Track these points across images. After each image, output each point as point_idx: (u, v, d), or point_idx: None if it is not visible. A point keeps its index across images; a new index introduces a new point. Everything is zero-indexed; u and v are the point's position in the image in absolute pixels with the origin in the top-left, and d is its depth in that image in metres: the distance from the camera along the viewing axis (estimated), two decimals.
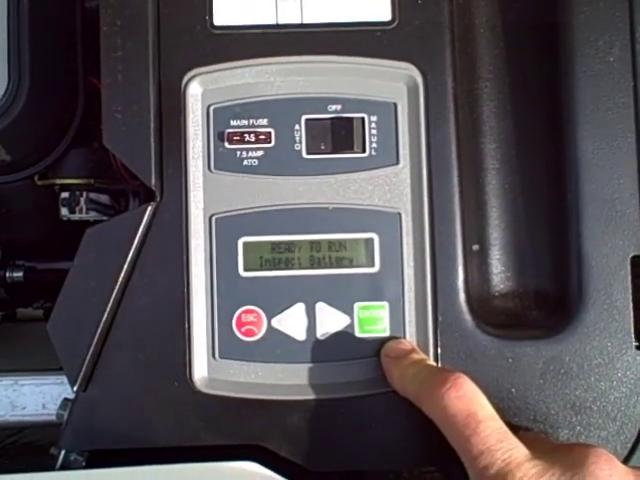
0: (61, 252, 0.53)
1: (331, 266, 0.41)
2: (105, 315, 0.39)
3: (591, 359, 0.40)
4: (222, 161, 0.41)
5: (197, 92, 0.41)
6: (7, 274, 0.53)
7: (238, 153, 0.41)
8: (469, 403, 0.35)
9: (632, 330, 0.40)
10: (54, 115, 0.45)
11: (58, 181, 0.47)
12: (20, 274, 0.54)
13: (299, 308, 0.40)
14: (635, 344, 0.40)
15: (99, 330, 0.39)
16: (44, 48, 0.44)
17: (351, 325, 0.40)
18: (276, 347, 0.40)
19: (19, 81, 0.42)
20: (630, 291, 0.40)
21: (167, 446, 0.39)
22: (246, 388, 0.40)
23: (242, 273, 0.40)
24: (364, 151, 0.41)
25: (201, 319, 0.40)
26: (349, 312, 0.40)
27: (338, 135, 0.41)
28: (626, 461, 0.39)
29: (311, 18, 0.41)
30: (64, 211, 0.47)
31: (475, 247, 0.42)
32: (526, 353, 0.40)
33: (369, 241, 0.41)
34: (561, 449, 0.35)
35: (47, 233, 0.51)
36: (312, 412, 0.40)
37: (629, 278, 0.40)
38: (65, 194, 0.47)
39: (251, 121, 0.41)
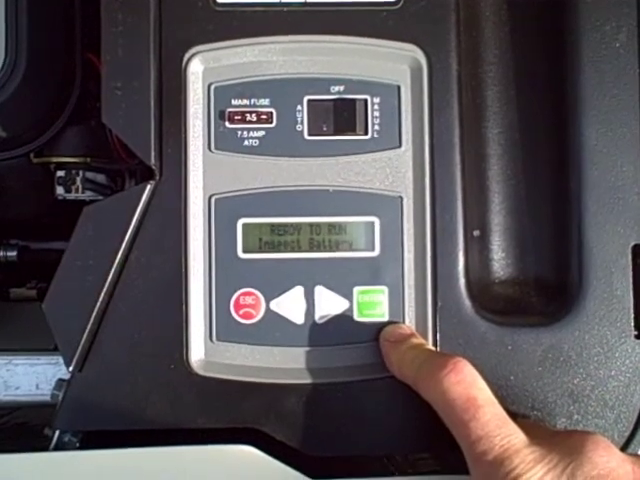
0: (56, 232, 0.52)
1: (331, 249, 0.40)
2: (102, 295, 0.39)
3: (590, 347, 0.40)
4: (222, 141, 0.40)
5: (198, 70, 0.40)
6: (1, 253, 0.53)
7: (239, 133, 0.40)
8: (469, 387, 0.35)
9: (632, 319, 0.40)
10: (51, 91, 0.45)
11: (54, 159, 0.46)
12: (14, 253, 0.53)
13: (298, 291, 0.40)
14: (635, 333, 0.40)
15: (95, 310, 0.39)
16: (42, 23, 0.43)
17: (350, 309, 0.40)
18: (274, 330, 0.40)
19: (16, 56, 0.42)
20: (630, 280, 0.40)
21: (162, 428, 0.39)
22: (243, 371, 0.40)
23: (241, 255, 0.40)
24: (366, 133, 0.40)
25: (199, 301, 0.40)
26: (348, 296, 0.40)
27: (340, 116, 0.40)
28: (624, 449, 0.39)
29: None
30: (60, 190, 0.46)
31: (476, 232, 0.42)
32: (525, 340, 0.40)
33: (369, 225, 0.40)
34: (559, 436, 0.35)
35: (42, 212, 0.51)
36: (309, 396, 0.39)
37: (630, 267, 0.40)
38: (61, 172, 0.46)
39: (252, 100, 0.40)
